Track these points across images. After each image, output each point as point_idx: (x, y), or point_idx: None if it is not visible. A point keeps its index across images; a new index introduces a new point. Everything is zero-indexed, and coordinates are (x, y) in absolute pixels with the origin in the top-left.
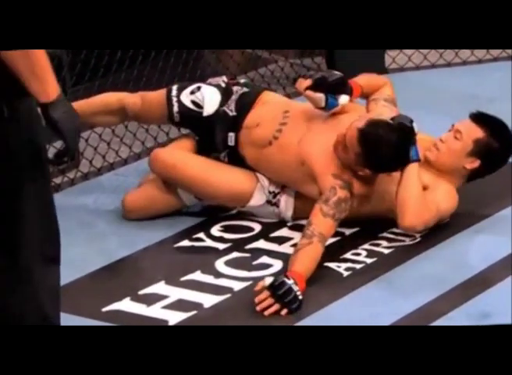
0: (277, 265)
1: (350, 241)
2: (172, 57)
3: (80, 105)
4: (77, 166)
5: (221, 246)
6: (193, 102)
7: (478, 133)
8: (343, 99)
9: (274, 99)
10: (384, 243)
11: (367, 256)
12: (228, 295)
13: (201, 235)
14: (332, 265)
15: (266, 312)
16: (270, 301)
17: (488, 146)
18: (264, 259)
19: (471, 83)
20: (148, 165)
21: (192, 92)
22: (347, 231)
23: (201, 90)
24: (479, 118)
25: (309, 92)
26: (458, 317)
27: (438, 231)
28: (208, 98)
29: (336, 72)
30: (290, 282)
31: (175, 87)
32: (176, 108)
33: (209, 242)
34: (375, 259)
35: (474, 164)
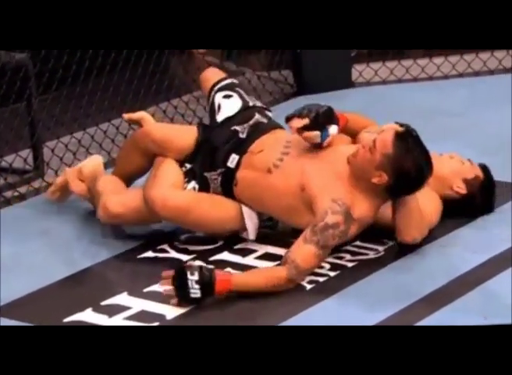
0: None
1: None
2: (140, 68)
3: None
4: (42, 176)
5: (185, 257)
6: (219, 106)
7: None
8: (333, 129)
9: (283, 133)
10: (347, 256)
11: (330, 269)
12: (191, 307)
13: (165, 246)
14: None
15: (163, 291)
16: (168, 282)
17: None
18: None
19: (437, 98)
20: (152, 208)
21: (224, 96)
22: None
23: (231, 99)
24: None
25: (307, 134)
26: None
27: (401, 245)
28: (227, 108)
29: (322, 104)
30: (192, 277)
31: (222, 84)
32: (210, 99)
33: (173, 253)
34: (338, 272)
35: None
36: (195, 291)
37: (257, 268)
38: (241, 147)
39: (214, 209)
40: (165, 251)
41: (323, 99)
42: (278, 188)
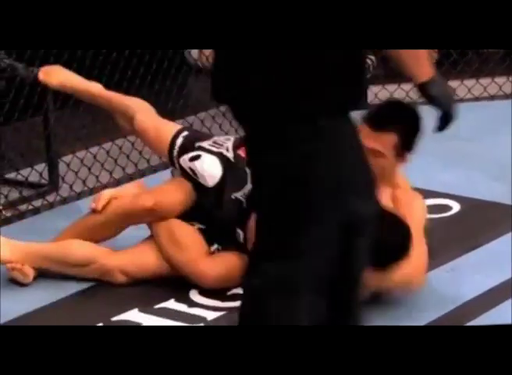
0: None
1: None
2: (156, 85)
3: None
4: (57, 190)
5: None
6: (193, 172)
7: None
8: None
9: None
10: None
11: None
12: (201, 324)
13: None
14: None
15: None
16: None
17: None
18: (239, 290)
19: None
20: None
21: (191, 159)
22: None
23: (200, 160)
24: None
25: None
26: None
27: None
28: (207, 171)
29: None
30: None
31: (176, 146)
32: (176, 164)
33: None
34: None
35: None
36: None
37: None
38: (242, 220)
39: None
40: None
41: None
42: None
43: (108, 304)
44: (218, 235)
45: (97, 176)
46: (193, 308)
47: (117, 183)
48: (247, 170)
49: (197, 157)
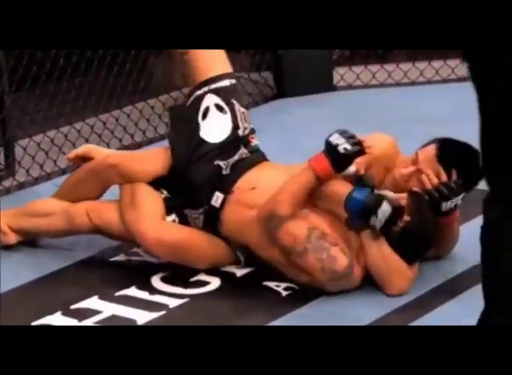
0: (215, 282)
1: None
2: (116, 66)
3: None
4: (14, 174)
5: (157, 261)
6: (206, 110)
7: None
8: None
9: (273, 168)
10: None
11: None
12: (163, 312)
13: (138, 250)
14: (271, 284)
15: None
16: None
17: None
18: (202, 276)
19: (420, 104)
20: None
21: (217, 106)
22: None
23: (222, 115)
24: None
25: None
26: None
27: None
28: (215, 127)
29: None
30: None
31: (219, 83)
32: (200, 91)
33: (146, 257)
34: None
35: None
36: None
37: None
38: (225, 184)
39: (209, 245)
40: (137, 254)
41: (304, 102)
42: None
43: (68, 291)
44: (185, 196)
45: (54, 161)
46: (154, 296)
47: (75, 167)
48: (242, 148)
49: (222, 109)
